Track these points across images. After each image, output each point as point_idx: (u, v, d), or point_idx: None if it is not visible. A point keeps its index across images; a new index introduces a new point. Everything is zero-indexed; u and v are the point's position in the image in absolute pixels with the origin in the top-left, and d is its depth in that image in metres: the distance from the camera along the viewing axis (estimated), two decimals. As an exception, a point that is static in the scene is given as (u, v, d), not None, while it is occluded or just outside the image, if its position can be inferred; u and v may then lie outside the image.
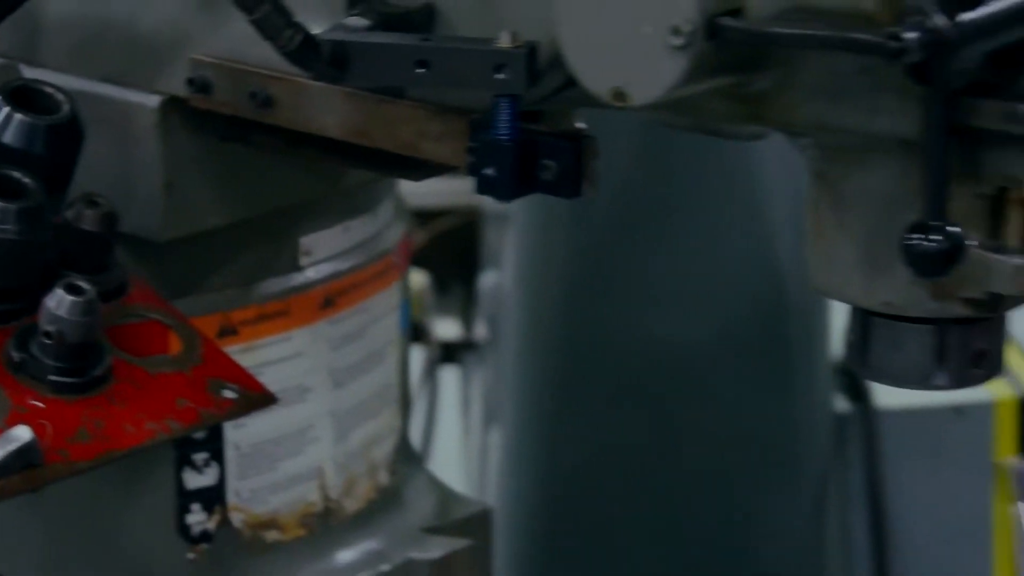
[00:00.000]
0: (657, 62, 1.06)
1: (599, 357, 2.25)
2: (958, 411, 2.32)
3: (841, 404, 2.38)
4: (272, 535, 1.48)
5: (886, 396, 2.37)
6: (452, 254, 2.72)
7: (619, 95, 1.08)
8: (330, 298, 1.48)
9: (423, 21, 1.19)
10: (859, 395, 2.38)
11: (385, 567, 1.53)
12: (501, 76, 1.14)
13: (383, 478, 1.58)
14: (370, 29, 1.19)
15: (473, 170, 1.19)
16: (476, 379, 2.69)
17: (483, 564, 1.63)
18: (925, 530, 2.39)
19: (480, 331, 2.64)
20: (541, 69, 1.14)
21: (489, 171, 1.18)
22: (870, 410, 2.36)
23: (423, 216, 2.68)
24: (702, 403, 2.28)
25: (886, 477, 2.36)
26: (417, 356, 2.71)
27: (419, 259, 2.68)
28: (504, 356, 2.36)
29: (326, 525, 1.52)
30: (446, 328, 2.77)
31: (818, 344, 2.33)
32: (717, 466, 2.30)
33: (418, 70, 1.16)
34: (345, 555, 1.53)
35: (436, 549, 1.55)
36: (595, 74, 1.09)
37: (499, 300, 2.41)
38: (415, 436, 2.65)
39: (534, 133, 1.19)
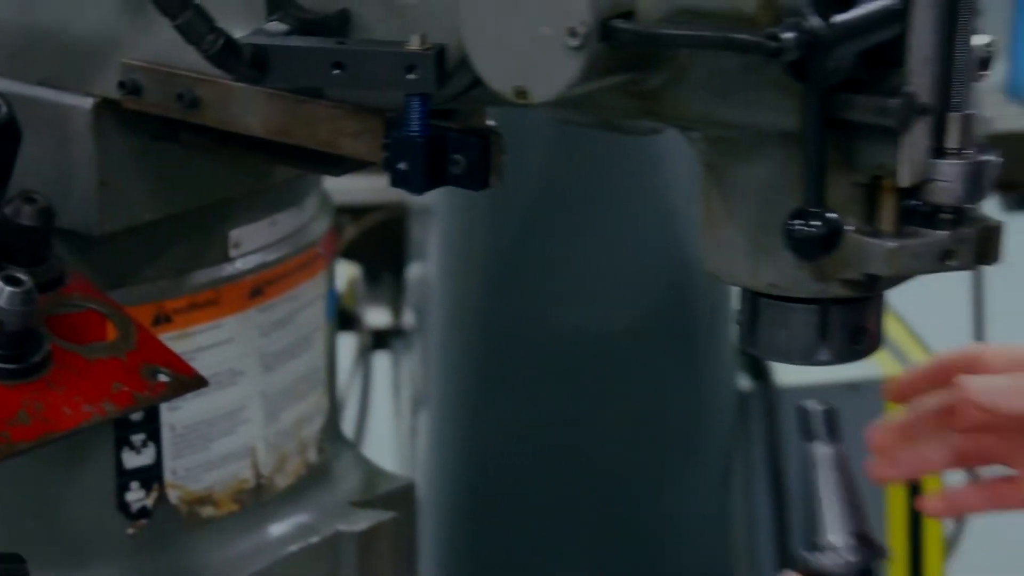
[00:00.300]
0: (555, 62, 1.07)
1: (517, 343, 2.25)
2: (852, 387, 2.34)
3: (744, 382, 2.40)
4: (207, 511, 1.48)
5: (786, 374, 2.39)
6: (381, 247, 2.71)
7: (521, 93, 1.09)
8: (259, 287, 1.48)
9: (338, 26, 1.19)
10: (760, 374, 2.39)
11: (314, 539, 1.54)
12: (412, 76, 1.14)
13: (312, 456, 1.58)
14: (288, 33, 1.19)
15: (388, 165, 1.19)
16: (405, 364, 2.69)
17: (408, 535, 1.63)
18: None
19: (408, 319, 2.64)
20: (449, 70, 1.15)
21: (402, 165, 1.18)
22: (771, 388, 2.38)
23: (354, 212, 2.67)
24: (615, 385, 2.29)
25: (786, 450, 2.38)
26: (350, 343, 2.72)
27: (351, 252, 2.69)
28: (429, 343, 2.37)
29: (258, 501, 1.52)
30: (377, 316, 2.76)
31: (722, 327, 2.34)
32: (630, 444, 2.30)
33: (334, 71, 1.17)
34: (277, 528, 1.53)
35: (362, 522, 1.56)
36: (498, 74, 1.09)
37: (424, 290, 2.41)
38: (350, 418, 2.65)
39: (444, 130, 1.19)
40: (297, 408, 1.55)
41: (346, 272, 2.79)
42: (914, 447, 1.25)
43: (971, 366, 1.24)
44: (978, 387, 1.20)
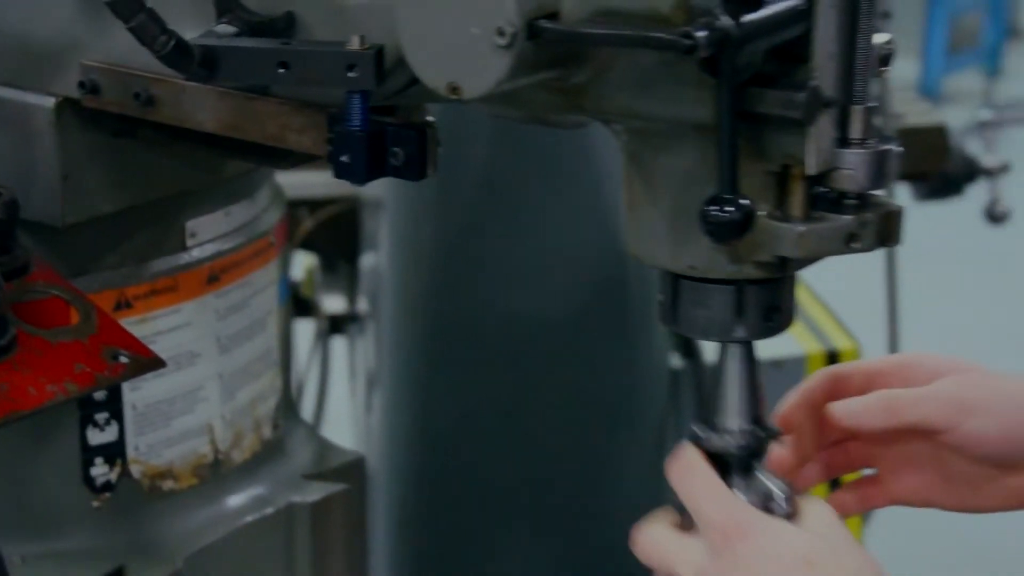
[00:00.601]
0: (485, 59, 1.07)
1: (462, 328, 2.25)
2: (776, 364, 2.34)
3: (675, 361, 2.40)
4: (168, 484, 1.48)
5: (715, 353, 2.38)
6: (337, 238, 2.70)
7: (454, 89, 1.09)
8: (214, 274, 1.47)
9: (284, 27, 1.19)
10: (691, 352, 2.40)
11: (270, 510, 1.54)
12: (352, 74, 1.14)
13: (267, 432, 1.57)
14: (237, 35, 1.19)
15: (331, 157, 1.19)
16: (360, 348, 2.69)
17: (358, 505, 1.63)
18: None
19: (363, 306, 2.63)
20: (387, 68, 1.15)
21: (345, 158, 1.18)
22: (700, 365, 2.38)
23: (311, 205, 2.67)
24: (555, 366, 2.28)
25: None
26: (308, 328, 2.71)
27: (308, 243, 2.68)
28: (382, 328, 2.36)
29: (216, 474, 1.51)
30: (333, 303, 2.75)
31: (655, 310, 2.34)
32: (570, 421, 2.30)
33: (280, 70, 1.17)
34: (234, 500, 1.53)
35: (315, 493, 1.56)
36: (432, 71, 1.09)
37: (377, 278, 2.40)
38: (309, 398, 2.65)
39: (384, 124, 1.19)
40: (252, 387, 1.54)
41: (304, 261, 2.78)
42: (797, 469, 1.28)
43: (834, 386, 1.28)
44: (841, 413, 1.26)
